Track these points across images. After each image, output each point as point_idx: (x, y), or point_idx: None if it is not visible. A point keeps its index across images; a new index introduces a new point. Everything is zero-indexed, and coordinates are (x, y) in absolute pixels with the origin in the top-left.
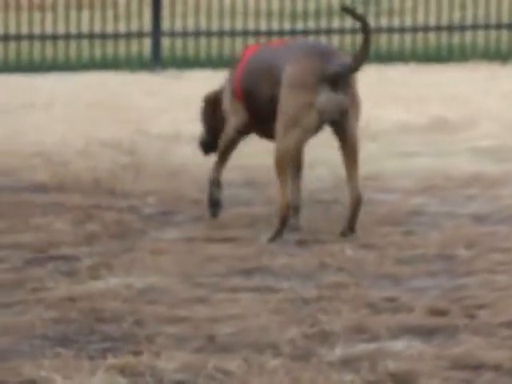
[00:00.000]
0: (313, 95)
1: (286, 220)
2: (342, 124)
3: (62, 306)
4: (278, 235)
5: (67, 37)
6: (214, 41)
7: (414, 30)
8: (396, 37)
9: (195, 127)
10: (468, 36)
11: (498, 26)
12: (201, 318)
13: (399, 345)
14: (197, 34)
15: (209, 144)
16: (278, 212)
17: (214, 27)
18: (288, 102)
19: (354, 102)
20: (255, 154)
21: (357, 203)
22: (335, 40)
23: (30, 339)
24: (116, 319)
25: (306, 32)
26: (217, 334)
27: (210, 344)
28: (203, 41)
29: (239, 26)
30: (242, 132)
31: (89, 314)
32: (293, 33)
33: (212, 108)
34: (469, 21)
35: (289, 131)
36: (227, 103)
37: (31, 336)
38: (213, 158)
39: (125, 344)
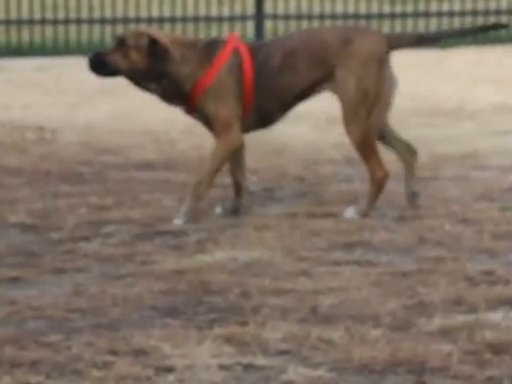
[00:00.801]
0: (385, 68)
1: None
2: None
3: (170, 279)
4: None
5: (172, 19)
6: (315, 23)
7: (509, 12)
8: (489, 19)
9: (297, 107)
10: None
11: None
12: (304, 290)
13: (496, 316)
14: (298, 16)
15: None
16: (373, 186)
17: (316, 10)
18: (365, 77)
19: None
20: None
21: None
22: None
23: (139, 310)
24: (222, 291)
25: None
26: (319, 305)
27: (312, 315)
28: (304, 23)
29: (339, 9)
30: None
31: (196, 286)
32: (427, 15)
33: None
34: None
35: (370, 107)
36: (222, 106)
37: (141, 307)
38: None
39: (231, 315)
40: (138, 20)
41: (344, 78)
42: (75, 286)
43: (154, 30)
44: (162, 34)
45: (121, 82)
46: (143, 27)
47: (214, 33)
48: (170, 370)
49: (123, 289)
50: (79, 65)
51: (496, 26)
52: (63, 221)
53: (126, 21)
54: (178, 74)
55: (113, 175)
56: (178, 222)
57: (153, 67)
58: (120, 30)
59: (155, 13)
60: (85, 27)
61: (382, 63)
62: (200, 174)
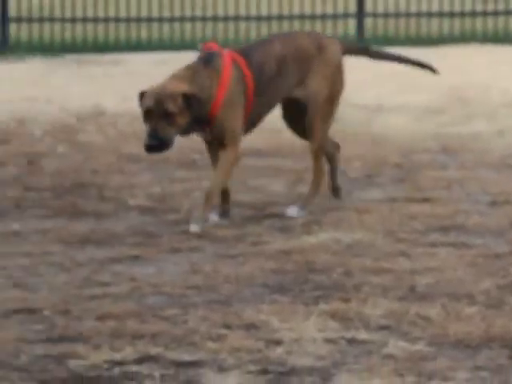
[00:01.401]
0: None
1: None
2: None
3: (278, 258)
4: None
5: (280, 17)
6: (412, 22)
7: None
8: None
9: (397, 99)
10: None
11: None
12: (402, 270)
13: None
14: (397, 14)
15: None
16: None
17: (413, 9)
18: (336, 83)
19: None
20: (451, 122)
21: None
22: None
23: (250, 287)
24: (327, 270)
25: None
26: (417, 284)
27: (411, 293)
28: (402, 21)
29: (435, 7)
30: None
31: (302, 265)
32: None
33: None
34: None
35: (333, 113)
36: (234, 118)
37: (252, 284)
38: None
39: (335, 292)
40: (247, 18)
41: (317, 84)
42: (191, 264)
43: (170, 88)
44: (169, 85)
45: None
46: (159, 89)
47: (318, 30)
48: (278, 342)
49: (235, 267)
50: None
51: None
52: (179, 204)
53: (236, 18)
54: (203, 104)
55: None
56: (195, 228)
57: (193, 116)
58: (232, 27)
59: (264, 11)
60: (199, 24)
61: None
62: (212, 184)
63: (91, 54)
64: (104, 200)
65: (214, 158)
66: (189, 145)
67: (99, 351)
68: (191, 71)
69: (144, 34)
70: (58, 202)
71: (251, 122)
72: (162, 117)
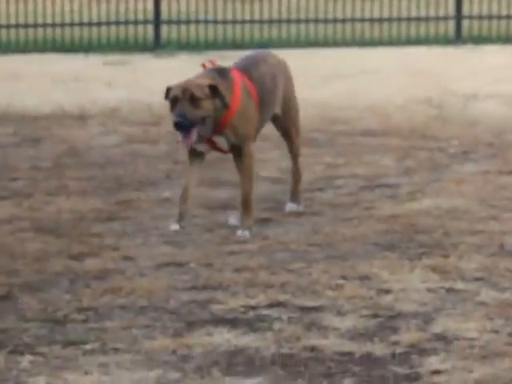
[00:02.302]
0: None
1: None
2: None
3: (387, 221)
4: None
5: (390, 20)
6: (503, 24)
7: None
8: None
9: (490, 88)
10: None
11: None
12: (493, 231)
13: None
14: (489, 17)
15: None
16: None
17: (504, 11)
18: (295, 99)
19: None
20: None
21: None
22: None
23: (364, 245)
24: (429, 231)
25: None
26: (505, 243)
27: (500, 250)
28: (494, 23)
29: None
30: None
31: (408, 227)
32: None
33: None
34: None
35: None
36: (249, 126)
37: (365, 243)
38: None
39: (436, 249)
40: (353, 20)
41: (292, 98)
42: (313, 225)
43: (196, 81)
44: (195, 80)
45: (347, 70)
46: (185, 83)
47: (421, 31)
48: (387, 291)
49: (351, 229)
50: (318, 55)
51: None
52: (303, 175)
53: (353, 20)
54: (218, 109)
55: (342, 140)
56: (245, 233)
57: (218, 108)
58: (348, 28)
59: (376, 13)
60: (330, 25)
61: None
62: (244, 193)
63: (230, 51)
64: None
65: (191, 173)
66: (311, 126)
67: (236, 298)
68: (209, 78)
69: (274, 34)
70: (201, 174)
71: (259, 127)
72: (189, 101)
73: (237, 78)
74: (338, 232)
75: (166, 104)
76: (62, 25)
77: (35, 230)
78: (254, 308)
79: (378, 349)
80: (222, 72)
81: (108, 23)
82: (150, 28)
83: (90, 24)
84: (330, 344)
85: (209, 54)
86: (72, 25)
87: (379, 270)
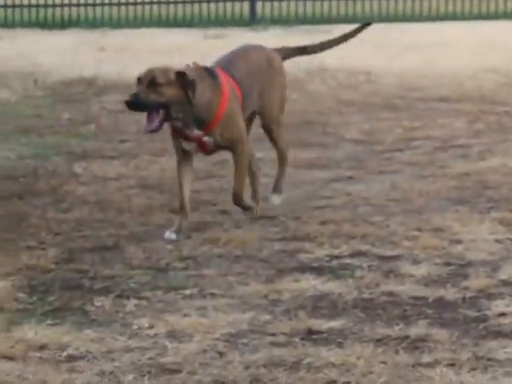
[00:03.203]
0: None
1: None
2: None
3: (459, 178)
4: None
5: None
6: None
7: None
8: None
9: None
10: None
11: None
12: None
13: None
14: None
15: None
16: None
17: None
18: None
19: None
20: None
21: None
22: None
23: (438, 200)
24: (497, 187)
25: None
26: None
27: None
28: None
29: None
30: None
31: (478, 183)
32: None
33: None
34: None
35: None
36: (239, 127)
37: (439, 198)
38: None
39: (503, 204)
40: None
41: (272, 95)
42: (392, 182)
43: (168, 66)
44: (170, 66)
45: (421, 42)
46: (160, 66)
47: (491, 6)
48: (459, 242)
49: (426, 185)
50: (398, 29)
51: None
52: (384, 137)
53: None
54: (201, 105)
55: (419, 106)
56: (248, 213)
57: (183, 99)
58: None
59: None
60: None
61: None
62: (233, 189)
63: (321, 26)
64: (326, 134)
65: (183, 175)
66: (391, 93)
67: (321, 248)
68: (196, 71)
69: (358, 9)
70: (291, 136)
71: None
72: (148, 84)
73: (223, 77)
74: (415, 188)
75: None
76: (168, 2)
77: (141, 186)
78: (337, 257)
79: (450, 294)
80: (210, 70)
81: (208, 1)
82: (246, 4)
83: (192, 2)
84: (406, 289)
85: (300, 29)
86: (176, 3)
87: (451, 222)
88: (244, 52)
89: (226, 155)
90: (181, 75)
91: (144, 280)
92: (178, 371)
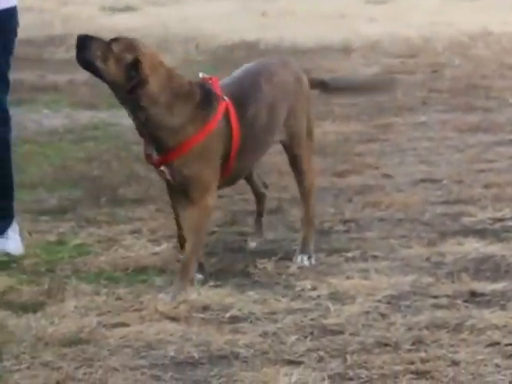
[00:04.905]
0: None
1: None
2: None
3: None
4: None
5: None
6: None
7: None
8: None
9: None
10: None
11: None
12: None
13: None
14: None
15: None
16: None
17: None
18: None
19: None
20: None
21: None
22: None
23: None
24: None
25: None
26: None
27: None
28: None
29: None
30: None
31: None
32: None
33: None
34: None
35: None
36: (207, 169)
37: None
38: None
39: None
40: None
41: (301, 120)
42: None
43: (154, 54)
44: (165, 65)
45: None
46: (141, 42)
47: None
48: None
49: None
50: None
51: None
52: None
53: None
54: (160, 121)
55: None
56: (167, 298)
57: (124, 89)
58: None
59: None
60: None
61: None
62: (188, 252)
63: None
64: (489, 98)
65: (176, 205)
66: None
67: (485, 211)
68: (186, 92)
69: None
70: (455, 100)
71: (236, 175)
72: (105, 46)
73: (220, 110)
74: None
75: (424, 37)
76: None
77: None
78: (500, 220)
79: None
80: (210, 93)
81: None
82: None
83: None
84: None
85: None
86: None
87: None
88: (269, 72)
89: (390, 120)
90: (136, 63)
91: None
92: (341, 332)
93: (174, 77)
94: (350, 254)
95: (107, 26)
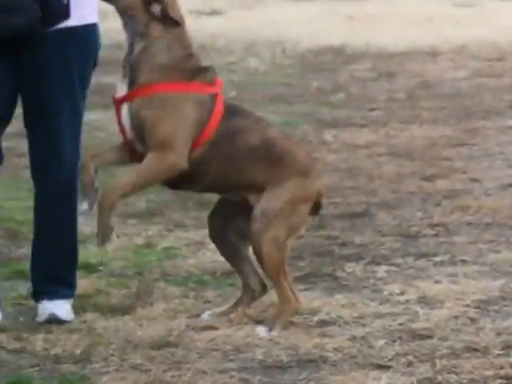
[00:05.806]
0: None
1: None
2: None
3: None
4: None
5: None
6: None
7: None
8: None
9: None
10: None
11: None
12: None
13: None
14: None
15: None
16: None
17: None
18: None
19: None
20: None
21: None
22: None
23: None
24: None
25: None
26: None
27: None
28: None
29: None
30: None
31: None
32: None
33: None
34: None
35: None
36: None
37: None
38: None
39: None
40: None
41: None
42: None
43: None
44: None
45: None
46: None
47: None
48: None
49: None
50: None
51: None
52: None
53: None
54: (154, 54)
55: None
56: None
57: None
58: None
59: None
60: None
61: None
62: (118, 181)
63: None
64: None
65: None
66: None
67: None
68: (186, 46)
69: None
70: None
71: (205, 176)
72: None
73: (209, 88)
74: None
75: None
76: None
77: (390, 154)
78: None
79: None
80: (209, 70)
81: None
82: None
83: None
84: None
85: None
86: None
87: None
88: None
89: (478, 123)
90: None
91: (395, 246)
92: (429, 337)
93: (186, 32)
94: (438, 259)
95: (193, 30)
